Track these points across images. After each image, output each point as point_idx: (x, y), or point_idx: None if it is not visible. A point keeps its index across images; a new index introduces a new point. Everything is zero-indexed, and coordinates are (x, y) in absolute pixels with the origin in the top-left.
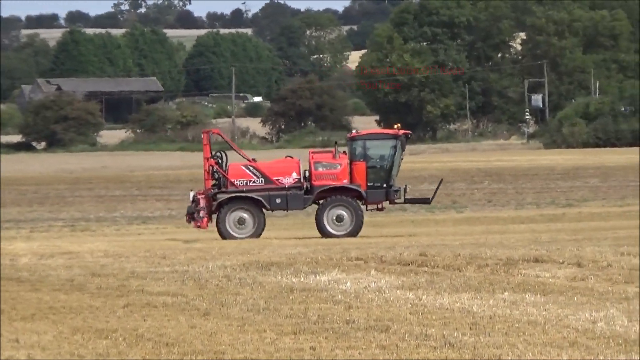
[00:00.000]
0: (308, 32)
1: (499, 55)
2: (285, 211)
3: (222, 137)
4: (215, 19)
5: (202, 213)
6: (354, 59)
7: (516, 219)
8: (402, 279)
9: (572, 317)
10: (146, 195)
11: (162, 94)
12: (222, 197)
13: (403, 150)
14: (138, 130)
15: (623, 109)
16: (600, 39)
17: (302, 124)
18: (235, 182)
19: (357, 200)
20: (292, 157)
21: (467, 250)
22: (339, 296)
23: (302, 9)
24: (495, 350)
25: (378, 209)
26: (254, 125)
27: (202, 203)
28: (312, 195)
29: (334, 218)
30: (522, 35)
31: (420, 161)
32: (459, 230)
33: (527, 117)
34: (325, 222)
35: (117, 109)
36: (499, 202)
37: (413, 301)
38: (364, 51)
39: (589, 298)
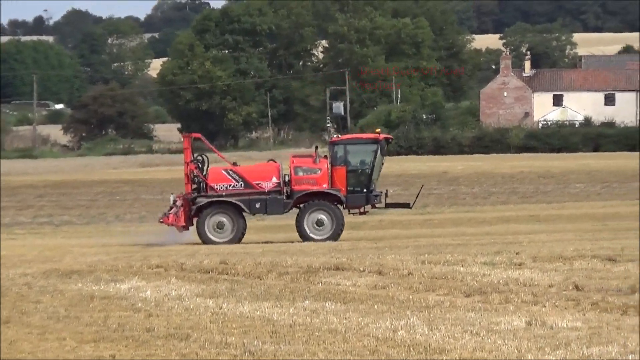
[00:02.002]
0: (110, 40)
1: (301, 63)
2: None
3: (203, 142)
4: (16, 26)
5: (172, 209)
6: (155, 66)
7: None
8: (203, 286)
9: (373, 325)
10: None
11: None
12: (202, 201)
13: (384, 154)
14: None
15: (425, 116)
16: (403, 46)
17: (104, 132)
18: (215, 187)
19: (338, 205)
20: (274, 161)
21: (268, 258)
22: (140, 304)
23: (104, 17)
24: (295, 359)
25: (361, 213)
26: (56, 132)
27: (179, 203)
28: (292, 199)
29: (314, 222)
30: (324, 43)
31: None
32: (260, 238)
33: (328, 125)
34: (306, 227)
35: None
36: None
37: (213, 309)
38: (165, 59)
39: (389, 306)
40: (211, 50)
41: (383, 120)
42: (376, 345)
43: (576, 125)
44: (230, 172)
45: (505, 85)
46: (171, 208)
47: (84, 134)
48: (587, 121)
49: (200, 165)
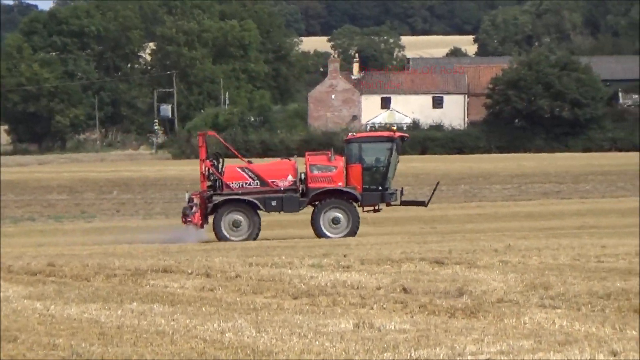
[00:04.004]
0: None
1: (129, 65)
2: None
3: (219, 139)
4: None
5: (194, 209)
6: None
7: (145, 228)
8: (30, 288)
9: (201, 327)
10: None
11: None
12: (218, 199)
13: (399, 153)
14: None
15: (252, 119)
16: (230, 49)
17: None
18: (231, 185)
19: (353, 203)
20: (288, 159)
21: (95, 260)
22: None
23: None
24: None
25: (375, 211)
26: None
27: (196, 201)
28: (307, 197)
29: (330, 220)
30: (152, 45)
31: (48, 171)
32: (88, 240)
33: (155, 127)
34: (322, 225)
35: None
36: (128, 212)
37: (41, 311)
38: None
39: (217, 308)
40: (39, 53)
41: (210, 122)
42: (204, 347)
43: (404, 128)
44: (246, 170)
45: (333, 88)
46: (191, 207)
47: None
48: (415, 124)
49: (216, 163)
